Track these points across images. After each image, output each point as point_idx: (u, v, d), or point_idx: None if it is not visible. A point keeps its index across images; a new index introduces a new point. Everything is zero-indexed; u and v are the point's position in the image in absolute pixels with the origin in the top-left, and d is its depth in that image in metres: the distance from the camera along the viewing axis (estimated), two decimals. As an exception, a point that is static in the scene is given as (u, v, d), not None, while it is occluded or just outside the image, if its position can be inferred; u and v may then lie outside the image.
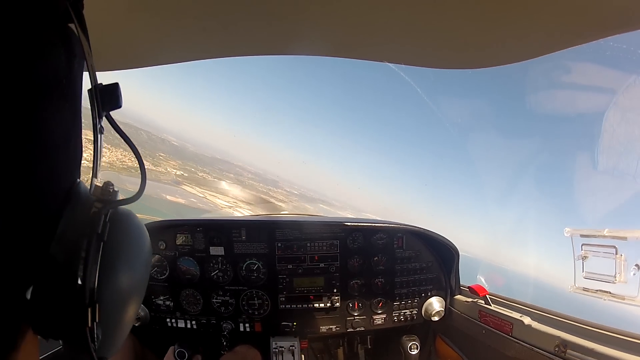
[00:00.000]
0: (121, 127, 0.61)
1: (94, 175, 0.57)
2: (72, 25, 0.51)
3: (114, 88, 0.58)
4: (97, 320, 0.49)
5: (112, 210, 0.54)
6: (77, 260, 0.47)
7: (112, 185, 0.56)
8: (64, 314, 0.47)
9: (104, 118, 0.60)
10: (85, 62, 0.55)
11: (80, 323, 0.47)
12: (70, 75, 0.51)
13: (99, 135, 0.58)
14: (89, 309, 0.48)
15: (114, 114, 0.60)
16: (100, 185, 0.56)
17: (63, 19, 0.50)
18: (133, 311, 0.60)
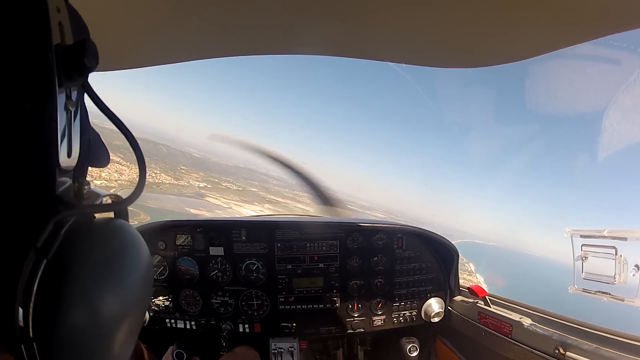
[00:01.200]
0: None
1: (58, 169, 0.43)
2: None
3: (82, 46, 0.44)
4: None
5: (89, 219, 0.44)
6: (7, 284, 0.37)
7: (88, 184, 0.46)
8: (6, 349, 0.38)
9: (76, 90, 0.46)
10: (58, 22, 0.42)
11: None
12: (29, 36, 0.40)
13: (60, 110, 0.43)
14: (22, 346, 0.37)
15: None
16: (75, 184, 0.45)
17: None
18: (116, 353, 0.46)
